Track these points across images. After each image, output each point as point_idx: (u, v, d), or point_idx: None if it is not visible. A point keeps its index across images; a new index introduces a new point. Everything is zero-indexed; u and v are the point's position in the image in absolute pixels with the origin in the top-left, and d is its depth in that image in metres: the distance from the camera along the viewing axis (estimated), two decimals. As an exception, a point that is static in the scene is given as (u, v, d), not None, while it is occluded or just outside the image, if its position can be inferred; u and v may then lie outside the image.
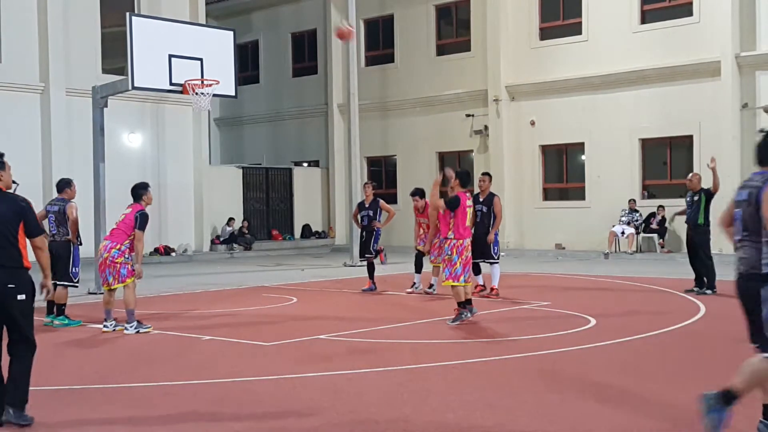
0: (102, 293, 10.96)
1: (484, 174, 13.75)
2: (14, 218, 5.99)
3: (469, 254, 10.73)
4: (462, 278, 10.56)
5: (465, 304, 10.64)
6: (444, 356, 8.51)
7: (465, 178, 10.99)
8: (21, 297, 5.94)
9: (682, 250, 18.00)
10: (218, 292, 15.14)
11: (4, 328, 6.08)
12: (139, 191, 10.58)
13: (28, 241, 6.12)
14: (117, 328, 10.48)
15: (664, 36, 22.03)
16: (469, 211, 10.71)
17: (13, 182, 6.43)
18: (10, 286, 5.91)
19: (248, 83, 30.38)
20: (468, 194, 10.89)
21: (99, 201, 15.42)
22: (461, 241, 10.57)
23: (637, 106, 22.44)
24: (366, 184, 15.10)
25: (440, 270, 11.49)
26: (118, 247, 10.32)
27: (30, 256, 6.12)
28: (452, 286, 10.65)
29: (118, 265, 10.29)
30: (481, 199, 13.20)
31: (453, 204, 10.53)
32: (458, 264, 10.53)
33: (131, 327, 10.29)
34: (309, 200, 29.30)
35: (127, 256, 10.34)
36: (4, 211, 5.98)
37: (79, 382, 7.58)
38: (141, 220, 10.29)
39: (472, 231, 11.49)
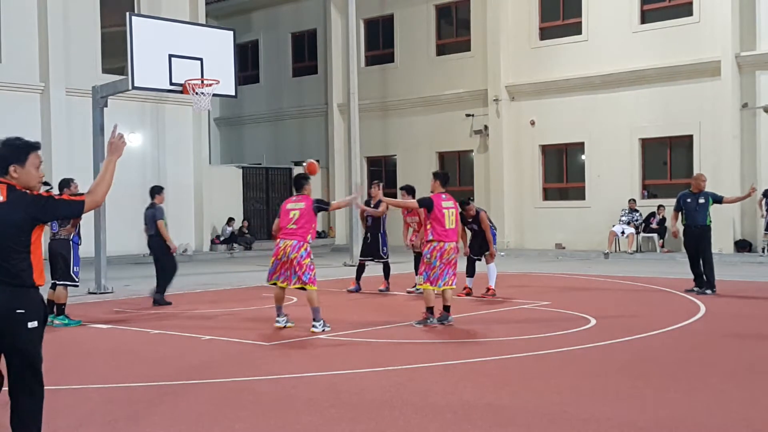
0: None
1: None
2: (24, 222, 4.67)
3: (452, 258, 10.45)
4: (439, 282, 10.39)
5: (433, 309, 10.45)
6: (444, 356, 8.51)
7: (444, 179, 10.81)
8: (32, 325, 4.67)
9: (682, 250, 17.99)
10: (218, 292, 15.14)
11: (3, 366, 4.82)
12: (302, 182, 10.45)
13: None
14: (288, 324, 10.34)
15: (664, 36, 22.04)
16: (447, 212, 10.42)
17: (45, 183, 5.47)
18: (19, 311, 4.63)
19: (248, 83, 30.39)
20: (445, 195, 10.58)
21: (99, 201, 15.40)
22: (441, 243, 10.36)
23: (637, 106, 22.45)
24: (374, 183, 15.09)
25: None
26: (305, 246, 10.10)
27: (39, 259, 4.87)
28: (425, 288, 10.53)
29: (304, 267, 10.08)
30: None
31: (425, 204, 10.41)
32: (437, 268, 10.37)
33: (319, 325, 10.09)
34: (309, 200, 29.24)
35: (312, 255, 10.20)
36: (13, 215, 4.64)
37: (79, 382, 7.58)
38: (318, 204, 10.28)
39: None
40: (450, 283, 10.51)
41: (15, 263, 4.63)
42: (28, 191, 4.74)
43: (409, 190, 14.25)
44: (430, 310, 10.46)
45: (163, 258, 13.10)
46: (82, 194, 4.85)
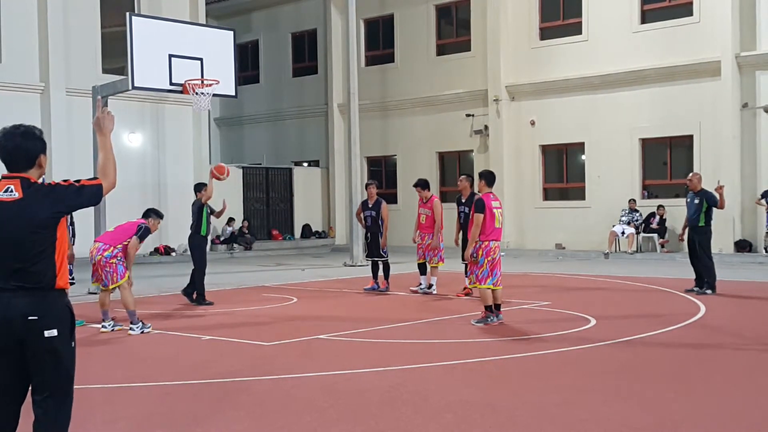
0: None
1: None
2: (49, 219, 4.14)
3: (497, 257, 10.56)
4: (489, 281, 10.46)
5: (492, 308, 10.55)
6: (444, 356, 8.51)
7: (490, 179, 10.90)
8: (50, 333, 4.11)
9: (682, 250, 18.00)
10: (218, 292, 15.15)
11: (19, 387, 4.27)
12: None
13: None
14: (116, 328, 10.51)
15: (664, 36, 22.03)
16: (497, 212, 10.58)
17: None
18: (31, 318, 4.08)
19: (248, 83, 30.39)
20: (493, 195, 10.77)
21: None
22: (487, 242, 10.47)
23: (637, 106, 22.44)
24: (368, 184, 15.07)
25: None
26: (110, 249, 10.73)
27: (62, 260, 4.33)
28: (478, 288, 10.69)
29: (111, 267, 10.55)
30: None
31: (479, 206, 10.51)
32: (485, 266, 10.45)
33: (137, 328, 10.33)
34: (309, 200, 29.30)
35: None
36: (33, 212, 4.12)
37: (79, 382, 7.51)
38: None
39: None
40: (498, 283, 10.57)
41: (38, 265, 4.11)
42: (43, 182, 4.24)
43: (424, 185, 14.31)
44: (488, 308, 10.52)
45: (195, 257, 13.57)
46: (96, 178, 4.38)
